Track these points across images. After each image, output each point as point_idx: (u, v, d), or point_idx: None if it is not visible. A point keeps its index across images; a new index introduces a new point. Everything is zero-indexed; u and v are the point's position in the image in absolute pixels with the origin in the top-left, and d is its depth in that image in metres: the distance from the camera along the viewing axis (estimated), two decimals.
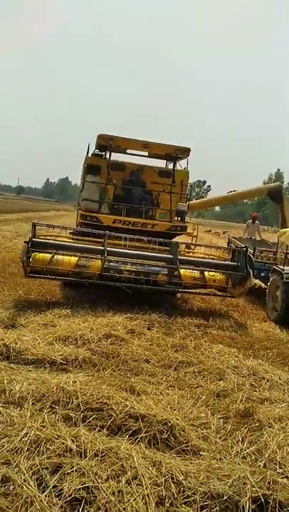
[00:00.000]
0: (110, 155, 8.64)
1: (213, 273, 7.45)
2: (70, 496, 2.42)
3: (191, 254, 8.43)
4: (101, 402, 3.41)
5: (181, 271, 7.17)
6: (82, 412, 3.31)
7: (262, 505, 2.45)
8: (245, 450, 3.13)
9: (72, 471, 2.59)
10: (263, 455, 3.01)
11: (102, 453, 2.79)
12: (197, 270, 7.39)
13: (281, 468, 2.86)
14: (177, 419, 3.35)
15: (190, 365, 4.80)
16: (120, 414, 3.29)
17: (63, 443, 2.82)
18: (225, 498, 2.49)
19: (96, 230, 7.34)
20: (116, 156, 9.30)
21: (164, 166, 9.67)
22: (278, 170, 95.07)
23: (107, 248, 6.75)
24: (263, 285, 9.03)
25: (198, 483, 2.60)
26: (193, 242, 9.36)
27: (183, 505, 2.48)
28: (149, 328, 5.98)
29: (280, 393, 4.23)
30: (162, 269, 7.14)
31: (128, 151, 9.19)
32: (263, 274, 9.05)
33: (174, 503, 2.48)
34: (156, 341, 5.47)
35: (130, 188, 8.74)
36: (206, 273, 7.39)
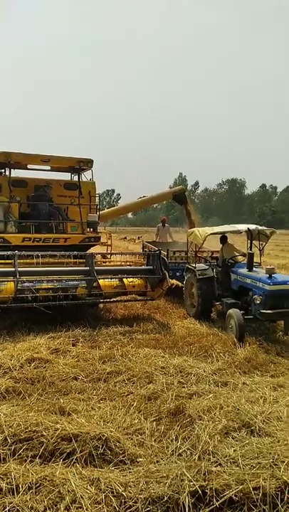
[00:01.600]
0: (10, 172, 8.32)
1: (131, 279, 7.55)
2: None
3: (107, 263, 8.45)
4: (30, 431, 3.25)
5: (100, 281, 7.15)
6: (10, 445, 3.11)
7: (200, 497, 2.54)
8: (180, 447, 3.22)
9: (6, 511, 2.42)
10: (197, 448, 3.13)
11: (36, 484, 2.66)
12: (115, 278, 7.44)
13: (214, 457, 3.00)
14: (111, 431, 3.32)
15: (119, 374, 4.80)
16: (52, 439, 3.16)
17: None
18: (165, 499, 2.53)
19: (4, 251, 6.99)
20: (17, 173, 8.99)
21: (70, 179, 9.59)
22: (180, 174, 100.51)
23: (19, 269, 6.46)
24: (179, 284, 9.39)
25: (138, 491, 2.61)
26: (109, 252, 9.40)
27: None
28: (74, 345, 5.85)
29: (206, 385, 4.43)
30: (80, 282, 7.05)
31: (29, 166, 8.95)
32: (178, 274, 9.42)
33: None
34: (82, 356, 5.37)
35: (36, 203, 8.50)
36: (124, 280, 7.47)
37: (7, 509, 2.43)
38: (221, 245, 8.38)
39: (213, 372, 4.84)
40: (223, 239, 8.26)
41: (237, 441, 3.27)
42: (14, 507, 2.45)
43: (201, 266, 8.06)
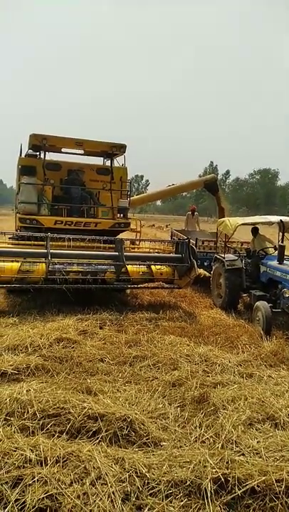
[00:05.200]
0: (45, 155, 8.44)
1: (159, 266, 7.58)
2: (33, 507, 2.36)
3: (136, 249, 8.50)
4: (58, 408, 3.35)
5: (128, 267, 7.21)
6: (39, 420, 3.23)
7: (222, 484, 2.57)
8: (203, 435, 3.25)
9: (34, 481, 2.53)
10: (220, 437, 3.15)
11: (63, 458, 2.75)
12: (144, 265, 7.48)
13: (237, 446, 3.01)
14: (136, 413, 3.38)
15: (144, 358, 4.86)
16: (78, 416, 3.26)
17: (22, 454, 2.74)
18: (188, 483, 2.58)
19: (37, 232, 7.14)
20: (51, 156, 9.12)
21: (102, 164, 9.63)
22: (211, 162, 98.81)
23: (51, 250, 6.60)
24: (207, 274, 9.35)
25: (161, 474, 2.66)
26: (138, 238, 9.43)
27: (148, 497, 2.52)
28: (101, 327, 5.96)
29: (230, 376, 4.43)
30: (109, 266, 7.14)
31: (63, 149, 9.03)
32: (206, 264, 9.37)
33: (140, 496, 2.52)
34: (109, 339, 5.47)
35: (69, 187, 8.60)
36: (152, 267, 7.50)
37: (36, 478, 2.54)
38: (252, 237, 8.25)
39: (239, 364, 4.83)
40: (255, 230, 8.12)
41: (261, 432, 3.27)
42: (42, 477, 2.55)
43: (230, 256, 7.98)
